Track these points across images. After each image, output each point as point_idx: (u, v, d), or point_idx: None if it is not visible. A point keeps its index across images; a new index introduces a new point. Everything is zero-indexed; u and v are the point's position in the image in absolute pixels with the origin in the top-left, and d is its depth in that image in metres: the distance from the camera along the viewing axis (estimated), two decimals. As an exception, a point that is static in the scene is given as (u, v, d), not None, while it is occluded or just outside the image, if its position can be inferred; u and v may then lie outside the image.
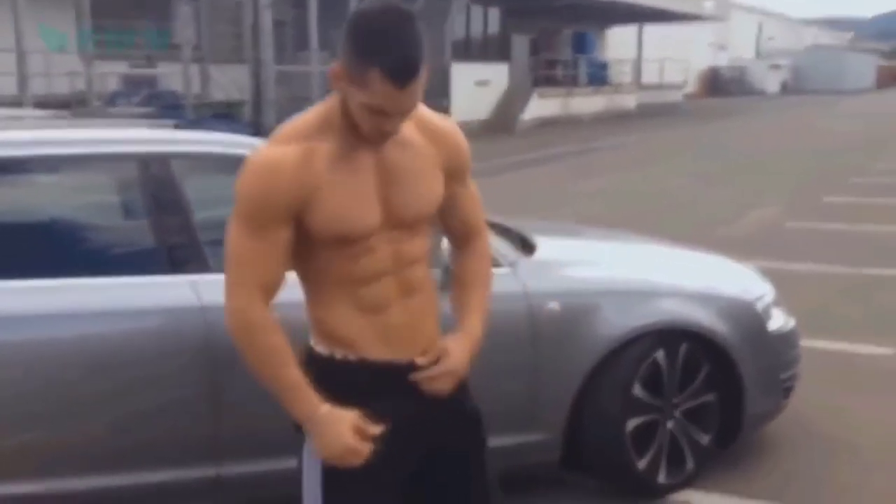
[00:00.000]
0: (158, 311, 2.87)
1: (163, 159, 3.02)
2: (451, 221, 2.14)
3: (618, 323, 3.36)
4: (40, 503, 2.77)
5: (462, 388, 2.15)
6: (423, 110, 2.03)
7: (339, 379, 2.00)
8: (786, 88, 52.44)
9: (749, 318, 3.66)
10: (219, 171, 3.12)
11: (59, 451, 2.79)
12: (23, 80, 15.07)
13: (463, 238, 2.18)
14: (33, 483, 2.75)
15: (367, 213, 1.95)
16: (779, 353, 3.76)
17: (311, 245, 1.95)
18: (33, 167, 3.01)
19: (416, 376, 2.04)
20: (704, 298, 3.60)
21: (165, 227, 2.96)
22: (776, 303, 3.85)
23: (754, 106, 35.35)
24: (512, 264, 3.28)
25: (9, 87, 15.24)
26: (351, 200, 1.93)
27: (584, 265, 3.63)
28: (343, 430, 1.94)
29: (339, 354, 2.01)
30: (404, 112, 1.88)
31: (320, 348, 2.03)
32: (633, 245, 4.37)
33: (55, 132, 3.29)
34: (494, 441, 3.20)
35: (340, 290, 1.99)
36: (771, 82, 51.50)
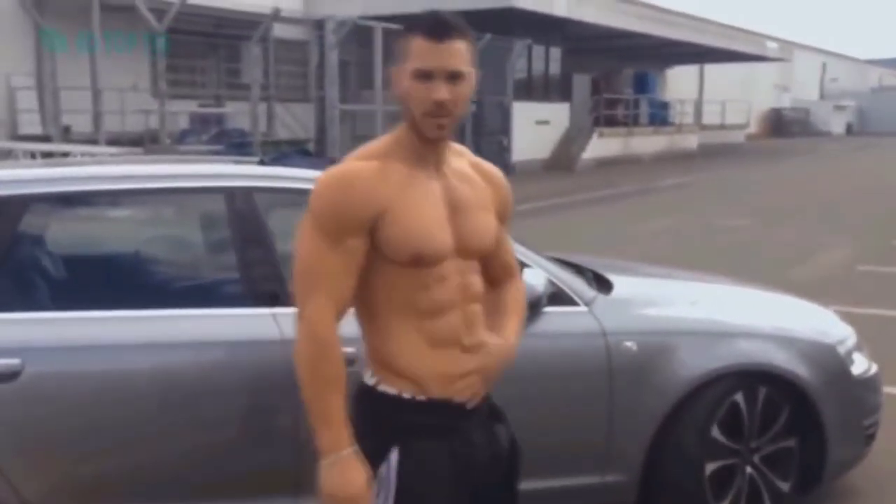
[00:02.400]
0: (241, 343, 2.91)
1: (247, 193, 3.08)
2: (494, 263, 2.18)
3: (696, 364, 3.31)
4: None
5: (505, 420, 2.19)
6: (472, 155, 2.15)
7: (408, 419, 1.99)
8: (851, 130, 51.54)
9: (831, 362, 3.58)
10: (302, 205, 3.18)
11: (136, 481, 2.83)
12: (97, 118, 15.56)
13: (501, 280, 2.22)
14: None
15: (440, 234, 1.98)
16: (862, 398, 3.67)
17: (383, 271, 1.98)
18: (123, 200, 3.11)
19: (463, 371, 2.01)
20: (784, 340, 3.54)
21: (249, 260, 3.02)
22: (858, 347, 3.76)
23: (818, 147, 34.78)
24: (589, 303, 3.27)
25: (85, 124, 15.76)
26: (425, 220, 1.97)
27: (662, 304, 3.60)
28: (358, 478, 1.93)
29: (407, 394, 2.00)
30: (447, 71, 1.92)
31: (385, 387, 2.01)
32: (710, 285, 4.31)
33: (144, 167, 3.39)
34: (570, 481, 3.23)
35: (409, 324, 1.99)
36: (835, 123, 50.66)
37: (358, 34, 18.96)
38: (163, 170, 3.29)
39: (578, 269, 3.65)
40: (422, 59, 1.92)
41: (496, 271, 2.19)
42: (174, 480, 2.86)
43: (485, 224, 2.07)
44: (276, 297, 2.95)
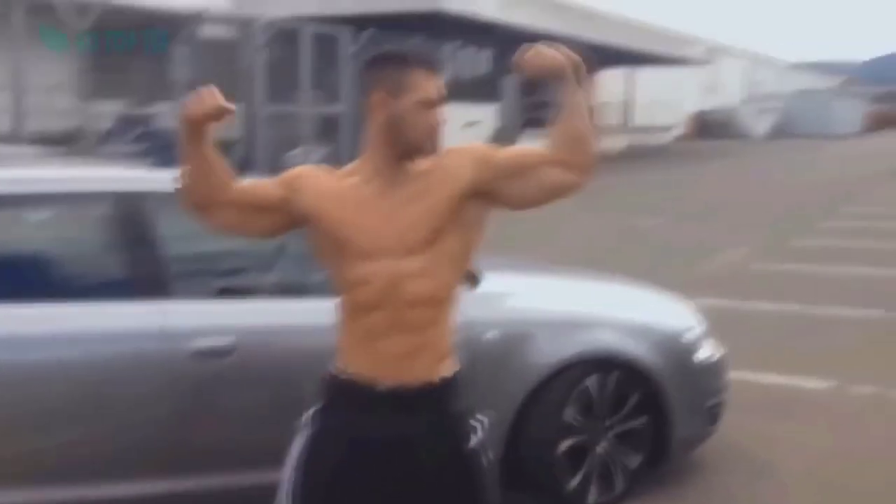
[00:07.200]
0: (125, 335, 3.17)
1: (136, 196, 3.33)
2: (512, 178, 2.17)
3: (551, 351, 3.67)
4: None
5: (460, 431, 2.17)
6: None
7: (335, 392, 2.14)
8: (774, 132, 52.96)
9: (677, 349, 3.98)
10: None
11: (30, 463, 3.06)
12: (20, 117, 15.38)
13: (536, 166, 2.24)
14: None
15: (366, 231, 2.07)
16: (706, 381, 4.07)
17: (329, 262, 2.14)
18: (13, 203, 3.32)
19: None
20: (635, 330, 3.92)
21: (135, 257, 3.27)
22: (706, 335, 4.16)
23: (740, 149, 35.81)
24: (454, 296, 3.59)
25: (5, 123, 15.55)
26: (354, 215, 2.08)
27: (523, 297, 3.95)
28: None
29: (339, 370, 2.13)
30: (442, 98, 2.13)
31: (332, 363, 2.16)
32: (574, 280, 4.69)
33: (31, 171, 3.62)
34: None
35: (347, 312, 2.13)
36: (759, 126, 51.93)
37: (286, 35, 19.03)
38: (50, 174, 3.53)
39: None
40: (426, 91, 2.09)
41: (520, 174, 2.18)
42: (70, 465, 3.09)
43: (419, 216, 2.07)
44: (161, 291, 3.22)
